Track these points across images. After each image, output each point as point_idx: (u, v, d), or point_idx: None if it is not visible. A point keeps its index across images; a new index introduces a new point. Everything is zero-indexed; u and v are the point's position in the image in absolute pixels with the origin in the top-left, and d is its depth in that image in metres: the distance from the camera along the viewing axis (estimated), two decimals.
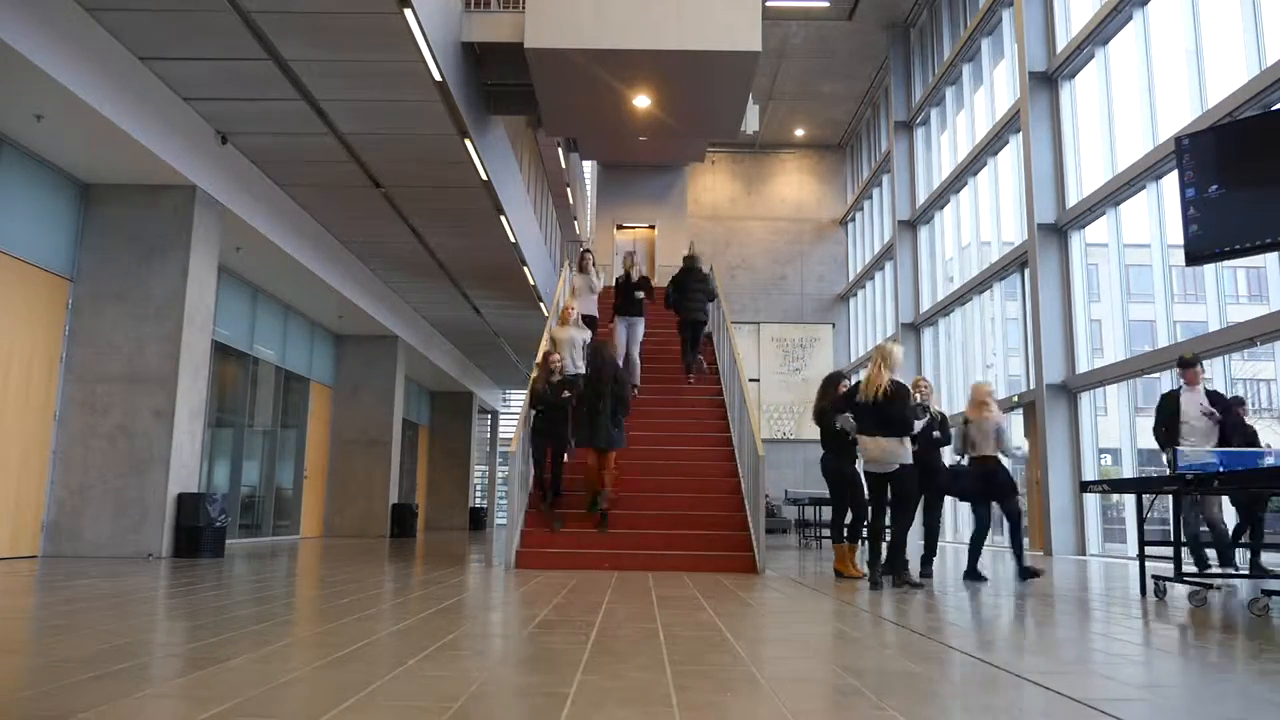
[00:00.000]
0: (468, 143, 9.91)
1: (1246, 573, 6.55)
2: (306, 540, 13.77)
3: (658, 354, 11.94)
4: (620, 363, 10.27)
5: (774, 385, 22.62)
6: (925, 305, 18.72)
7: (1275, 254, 8.39)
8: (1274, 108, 8.73)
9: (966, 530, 16.50)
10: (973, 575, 6.91)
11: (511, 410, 29.20)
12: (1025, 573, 6.90)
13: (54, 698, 2.26)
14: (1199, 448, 6.14)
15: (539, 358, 8.94)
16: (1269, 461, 5.39)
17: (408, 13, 7.44)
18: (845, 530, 7.27)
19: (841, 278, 23.41)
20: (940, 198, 17.84)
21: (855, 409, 6.48)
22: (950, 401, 17.22)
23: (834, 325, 23.16)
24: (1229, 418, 6.69)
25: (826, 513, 13.83)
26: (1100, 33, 11.99)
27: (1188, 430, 6.81)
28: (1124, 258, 11.76)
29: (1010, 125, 14.44)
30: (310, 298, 13.81)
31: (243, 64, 8.16)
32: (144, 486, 8.69)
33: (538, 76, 10.15)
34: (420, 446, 22.67)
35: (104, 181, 9.05)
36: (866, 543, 6.69)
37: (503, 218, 12.34)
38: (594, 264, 11.41)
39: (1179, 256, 8.86)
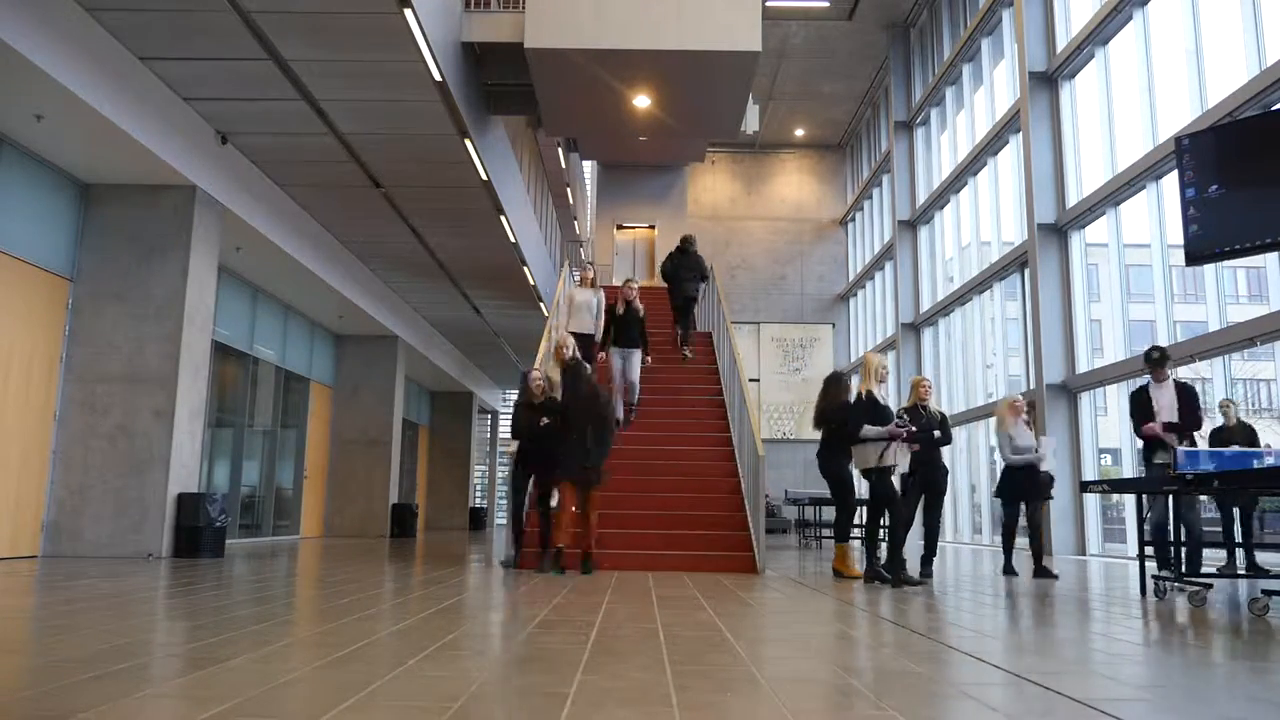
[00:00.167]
0: (468, 143, 9.91)
1: (1241, 573, 6.55)
2: (306, 540, 13.77)
3: (652, 333, 11.82)
4: (615, 386, 9.93)
5: (774, 385, 22.63)
6: (925, 305, 18.72)
7: (1275, 254, 8.39)
8: (1274, 108, 8.73)
9: (967, 530, 16.55)
10: (1011, 570, 7.67)
11: (510, 410, 29.16)
12: (1043, 572, 7.48)
13: (54, 698, 2.26)
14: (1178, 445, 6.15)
15: (541, 351, 8.54)
16: (1269, 461, 5.39)
17: (408, 13, 7.44)
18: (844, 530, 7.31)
19: (841, 278, 23.41)
20: (940, 198, 17.84)
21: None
22: (950, 401, 17.22)
23: (834, 325, 23.17)
24: (1193, 418, 6.62)
25: (826, 513, 13.86)
26: (1100, 33, 11.99)
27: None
28: (1124, 258, 11.76)
29: (1010, 125, 14.44)
30: (310, 298, 13.82)
31: (243, 64, 8.16)
32: (144, 486, 8.69)
33: (538, 76, 10.16)
34: (420, 446, 22.67)
35: (104, 181, 9.05)
36: (864, 542, 6.83)
37: (503, 218, 12.35)
38: (596, 283, 11.01)
39: (1179, 256, 8.86)
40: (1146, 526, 6.42)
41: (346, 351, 16.60)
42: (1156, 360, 6.75)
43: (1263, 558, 8.20)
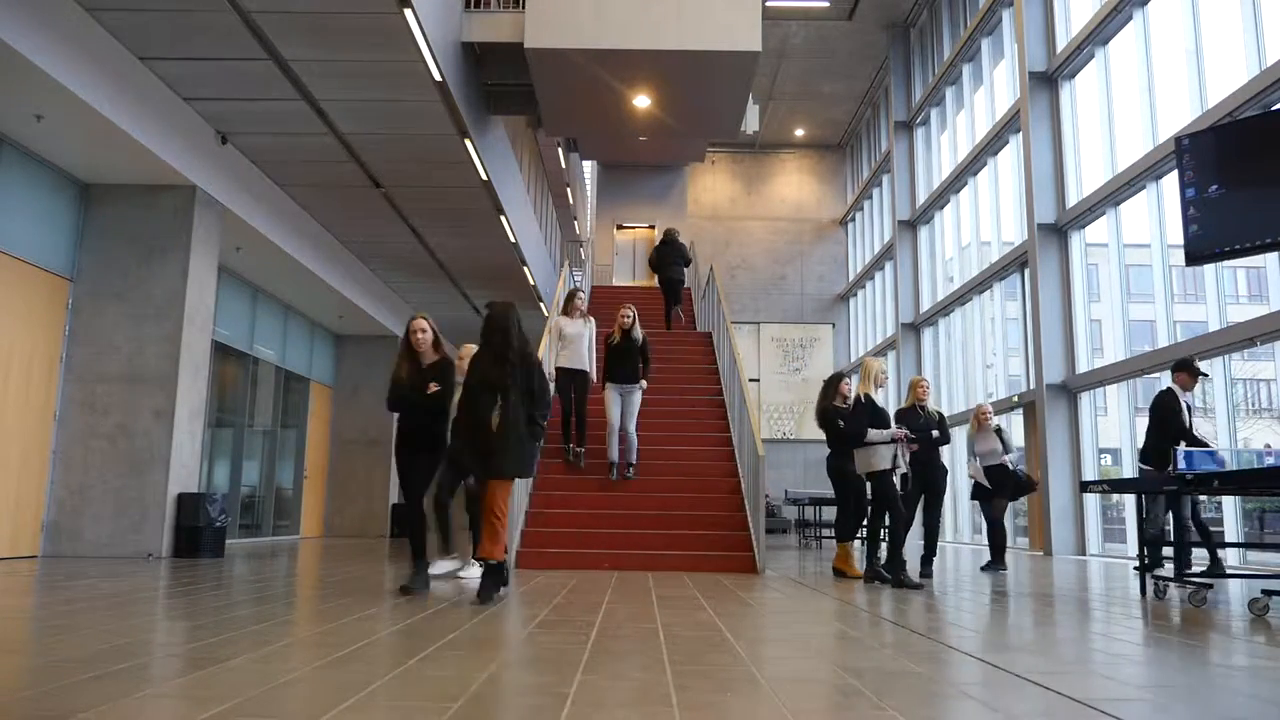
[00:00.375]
0: (468, 143, 9.91)
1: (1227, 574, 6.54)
2: (306, 540, 13.77)
3: (646, 318, 11.76)
4: (614, 429, 8.70)
5: (774, 385, 22.63)
6: (925, 305, 18.72)
7: (1275, 254, 8.39)
8: (1274, 108, 8.74)
9: (967, 530, 16.55)
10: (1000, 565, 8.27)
11: None
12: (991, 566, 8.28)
13: (54, 698, 2.26)
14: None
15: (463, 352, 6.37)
16: (1269, 461, 5.39)
17: (408, 13, 7.43)
18: (845, 529, 7.31)
19: (841, 278, 23.41)
20: (940, 198, 17.84)
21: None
22: (950, 401, 17.22)
23: (834, 325, 23.17)
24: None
25: (826, 513, 13.86)
26: (1100, 33, 11.99)
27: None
28: (1124, 258, 11.76)
29: (1010, 125, 14.44)
30: (310, 298, 13.82)
31: (243, 64, 8.16)
32: (144, 486, 8.69)
33: (538, 76, 10.15)
34: None
35: (104, 181, 9.05)
36: (864, 542, 6.84)
37: (503, 218, 12.35)
38: (584, 308, 9.29)
39: (1179, 256, 8.87)
40: (1147, 529, 6.41)
41: (346, 351, 16.61)
42: (1196, 373, 6.83)
43: (1264, 558, 8.19)
